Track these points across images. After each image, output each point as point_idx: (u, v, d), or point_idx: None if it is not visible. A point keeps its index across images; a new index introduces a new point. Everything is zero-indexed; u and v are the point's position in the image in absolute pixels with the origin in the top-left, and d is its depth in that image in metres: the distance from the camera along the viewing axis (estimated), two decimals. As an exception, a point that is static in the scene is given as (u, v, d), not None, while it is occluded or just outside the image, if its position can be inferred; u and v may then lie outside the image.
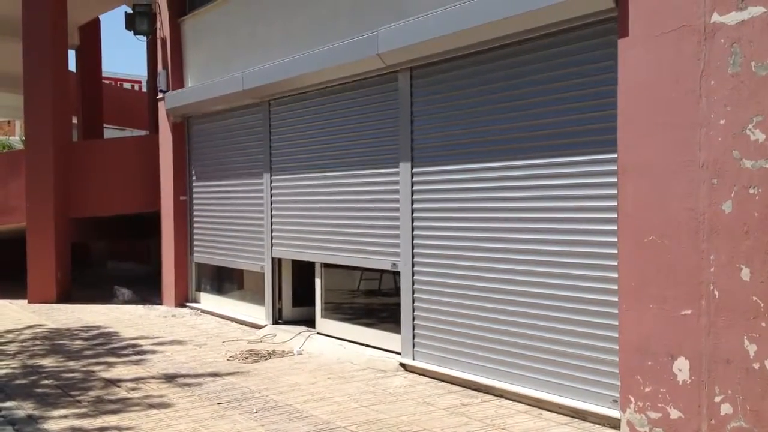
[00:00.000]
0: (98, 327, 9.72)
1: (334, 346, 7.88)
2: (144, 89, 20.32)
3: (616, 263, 5.00)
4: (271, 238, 9.24)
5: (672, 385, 4.59)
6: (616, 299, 4.98)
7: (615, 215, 5.02)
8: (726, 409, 4.31)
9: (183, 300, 11.40)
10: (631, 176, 4.82)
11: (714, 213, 4.36)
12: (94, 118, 16.84)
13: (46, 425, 5.45)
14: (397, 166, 7.05)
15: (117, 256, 18.59)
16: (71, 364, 7.51)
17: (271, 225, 9.25)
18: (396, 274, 7.34)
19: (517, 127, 5.87)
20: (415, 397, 6.02)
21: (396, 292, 7.29)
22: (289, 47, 8.58)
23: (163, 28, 11.40)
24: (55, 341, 8.76)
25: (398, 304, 7.09)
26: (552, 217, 5.60)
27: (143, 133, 17.90)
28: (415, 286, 6.87)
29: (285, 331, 8.76)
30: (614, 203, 5.03)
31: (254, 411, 5.69)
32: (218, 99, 10.00)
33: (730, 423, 4.29)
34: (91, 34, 16.76)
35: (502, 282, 6.00)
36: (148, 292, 12.64)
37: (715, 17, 4.34)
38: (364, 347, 7.65)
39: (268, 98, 9.19)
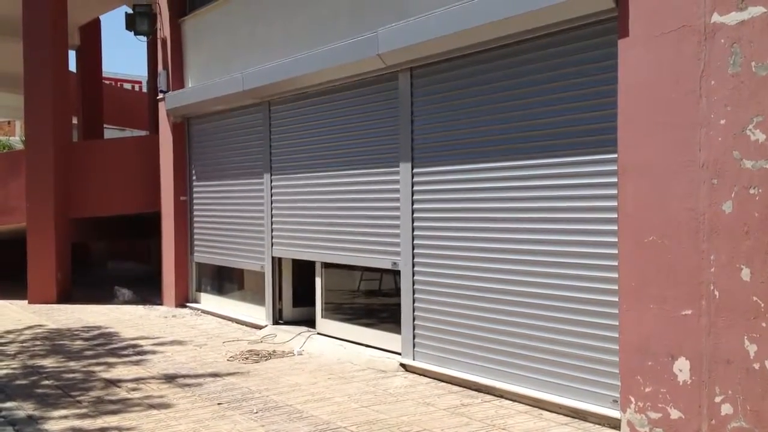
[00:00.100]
0: (98, 327, 9.72)
1: (334, 346, 7.88)
2: (144, 89, 20.34)
3: (616, 263, 5.00)
4: (272, 238, 9.25)
5: (672, 386, 4.59)
6: (617, 299, 4.98)
7: (615, 215, 5.02)
8: (726, 409, 4.30)
9: (183, 300, 11.40)
10: (632, 176, 4.82)
11: (714, 213, 4.35)
12: (94, 119, 16.85)
13: (47, 426, 5.45)
14: (398, 166, 7.05)
15: (117, 256, 18.60)
16: (72, 364, 7.51)
17: (272, 224, 9.26)
18: (396, 274, 7.34)
19: (518, 126, 5.87)
20: (416, 397, 6.02)
21: (396, 292, 7.29)
22: (290, 47, 8.58)
23: (164, 28, 11.40)
24: (55, 342, 8.76)
25: (398, 305, 7.09)
26: (552, 217, 5.60)
27: (143, 133, 17.91)
28: (416, 286, 6.87)
29: (285, 332, 8.76)
30: (614, 203, 5.03)
31: (254, 411, 5.69)
32: (218, 99, 10.00)
33: (730, 423, 4.28)
34: (91, 34, 16.77)
35: (503, 282, 6.00)
36: (148, 292, 12.65)
37: (715, 17, 4.33)
38: (364, 347, 7.65)
39: (268, 98, 9.19)
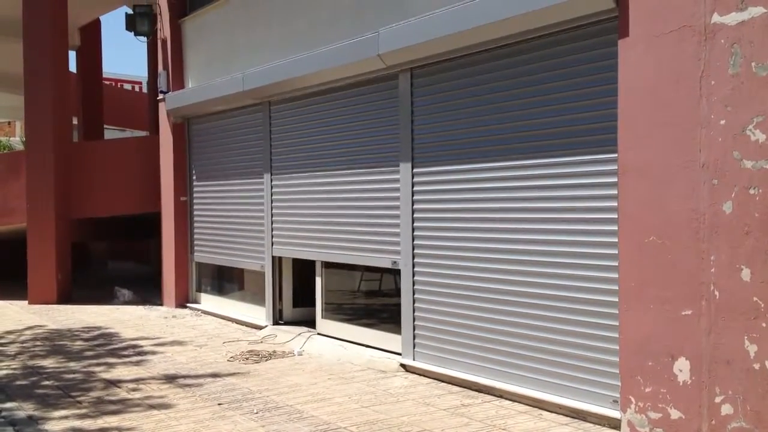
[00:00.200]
0: (99, 328, 9.72)
1: (334, 346, 7.88)
2: (144, 90, 20.35)
3: (616, 263, 5.00)
4: (272, 237, 9.25)
5: (672, 386, 4.59)
6: (617, 299, 4.98)
7: (615, 215, 5.02)
8: (726, 409, 4.30)
9: (183, 301, 11.40)
10: (632, 176, 4.82)
11: (714, 213, 4.36)
12: (94, 119, 16.86)
13: (47, 426, 5.45)
14: (398, 166, 7.06)
15: (117, 256, 18.61)
16: (72, 364, 7.51)
17: (272, 224, 9.26)
18: (396, 274, 7.34)
19: (518, 126, 5.87)
20: (416, 397, 6.02)
21: (396, 292, 7.29)
22: (290, 48, 8.58)
23: (164, 28, 11.40)
24: (55, 342, 8.76)
25: (398, 305, 7.09)
26: (553, 218, 5.60)
27: (143, 133, 17.91)
28: (416, 287, 6.87)
29: (285, 332, 8.76)
30: (614, 203, 5.03)
31: (255, 412, 5.69)
32: (219, 100, 10.00)
33: (730, 423, 4.28)
34: (91, 34, 16.78)
35: (503, 282, 6.00)
36: (148, 292, 12.66)
37: (716, 18, 4.34)
38: (364, 348, 7.65)
39: (268, 99, 9.19)
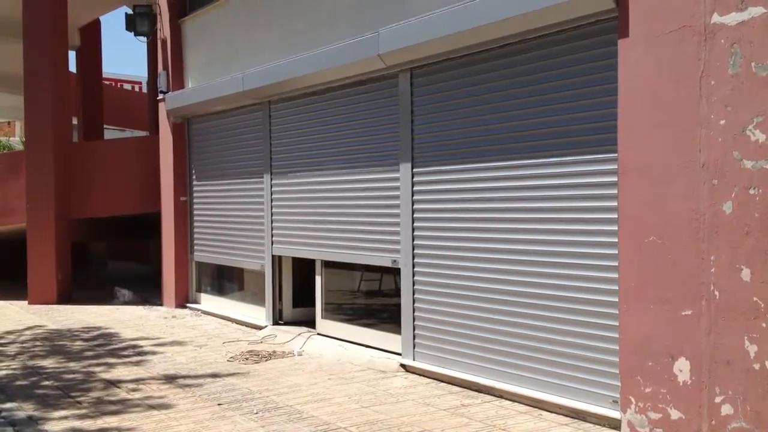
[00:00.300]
0: (99, 328, 9.72)
1: (334, 346, 7.88)
2: (144, 90, 20.35)
3: (616, 263, 5.00)
4: (272, 236, 9.25)
5: (672, 386, 4.59)
6: (617, 300, 4.98)
7: (615, 215, 5.02)
8: (726, 409, 4.30)
9: (183, 301, 11.40)
10: (632, 176, 4.82)
11: (714, 213, 4.35)
12: (94, 119, 16.87)
13: (47, 426, 5.45)
14: (398, 166, 7.06)
15: (117, 256, 18.61)
16: (72, 365, 7.51)
17: (272, 224, 9.26)
18: (396, 273, 7.34)
19: (518, 126, 5.87)
20: (416, 397, 6.02)
21: (396, 292, 7.29)
22: (290, 48, 8.58)
23: (164, 29, 11.40)
24: (55, 342, 8.76)
25: (398, 305, 7.09)
26: (553, 218, 5.60)
27: (143, 133, 17.91)
28: (416, 286, 6.87)
29: (285, 332, 8.76)
30: (614, 203, 5.03)
31: (255, 412, 5.69)
32: (219, 100, 10.00)
33: (730, 423, 4.28)
34: (91, 34, 16.78)
35: (503, 282, 6.00)
36: (148, 292, 12.65)
37: (716, 18, 4.33)
38: (364, 348, 7.65)
39: (268, 99, 9.19)
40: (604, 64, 5.14)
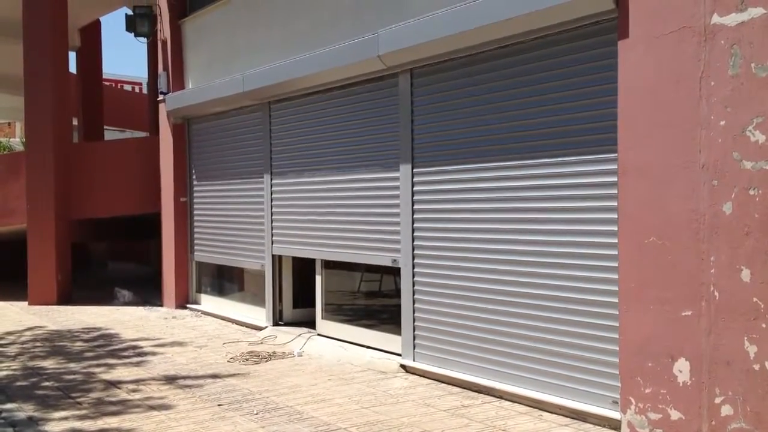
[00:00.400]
0: (99, 329, 9.72)
1: (334, 347, 7.88)
2: (144, 91, 20.36)
3: (616, 264, 5.00)
4: (272, 236, 9.25)
5: (672, 387, 4.59)
6: (617, 300, 4.98)
7: (615, 216, 5.02)
8: (726, 410, 4.30)
9: (183, 301, 11.40)
10: (632, 177, 4.82)
11: (714, 214, 4.36)
12: (94, 120, 16.88)
13: (47, 427, 5.45)
14: (398, 167, 7.06)
15: (117, 256, 18.60)
16: (72, 365, 7.51)
17: (272, 224, 9.26)
18: (396, 274, 7.34)
19: (518, 127, 5.88)
20: (416, 398, 6.02)
21: (396, 293, 7.29)
22: (290, 48, 8.58)
23: (164, 29, 11.40)
24: (55, 343, 8.76)
25: (398, 306, 7.09)
26: (553, 218, 5.60)
27: (143, 134, 17.92)
28: (416, 287, 6.87)
29: (285, 333, 8.76)
30: (614, 204, 5.03)
31: (255, 413, 5.69)
32: (219, 100, 10.01)
33: (730, 424, 4.28)
34: (91, 35, 16.79)
35: (503, 283, 6.00)
36: (148, 293, 12.65)
37: (715, 18, 4.34)
38: (364, 349, 7.65)
39: (268, 99, 9.20)
40: (604, 65, 5.14)
